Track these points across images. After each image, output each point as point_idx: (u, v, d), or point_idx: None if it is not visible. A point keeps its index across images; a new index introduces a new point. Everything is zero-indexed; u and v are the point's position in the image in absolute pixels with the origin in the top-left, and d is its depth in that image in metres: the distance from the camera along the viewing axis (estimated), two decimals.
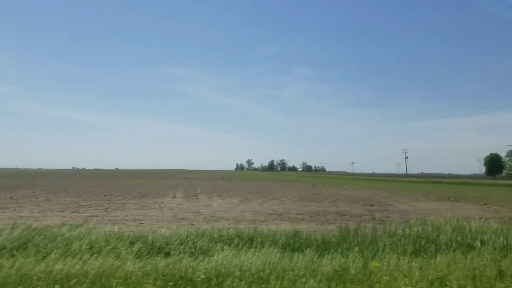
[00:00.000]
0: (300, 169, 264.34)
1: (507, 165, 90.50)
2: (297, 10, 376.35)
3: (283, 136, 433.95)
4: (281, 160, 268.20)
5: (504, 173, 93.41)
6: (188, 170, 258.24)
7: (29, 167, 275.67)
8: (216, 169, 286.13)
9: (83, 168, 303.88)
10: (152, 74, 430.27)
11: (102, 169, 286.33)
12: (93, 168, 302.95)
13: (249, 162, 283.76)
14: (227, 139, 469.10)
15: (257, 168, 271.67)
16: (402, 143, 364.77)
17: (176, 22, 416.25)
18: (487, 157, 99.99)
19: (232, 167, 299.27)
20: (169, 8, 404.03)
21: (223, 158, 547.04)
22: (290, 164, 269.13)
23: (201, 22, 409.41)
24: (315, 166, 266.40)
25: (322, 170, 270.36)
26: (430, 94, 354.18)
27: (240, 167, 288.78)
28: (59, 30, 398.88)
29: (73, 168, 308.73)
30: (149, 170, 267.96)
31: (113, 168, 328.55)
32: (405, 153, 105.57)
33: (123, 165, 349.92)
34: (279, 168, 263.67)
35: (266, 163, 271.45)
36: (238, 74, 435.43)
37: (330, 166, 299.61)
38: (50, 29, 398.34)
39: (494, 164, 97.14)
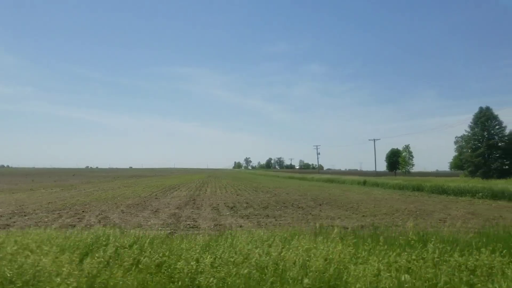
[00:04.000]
0: (297, 167, 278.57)
1: (406, 160, 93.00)
2: (306, 7, 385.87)
3: (290, 135, 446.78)
4: (278, 158, 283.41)
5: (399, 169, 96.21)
6: (186, 168, 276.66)
7: (45, 167, 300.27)
8: (216, 167, 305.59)
9: (97, 167, 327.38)
10: (159, 74, 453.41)
11: (116, 168, 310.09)
12: (107, 167, 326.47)
13: (247, 161, 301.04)
14: (235, 138, 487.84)
15: (255, 166, 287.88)
16: (411, 141, 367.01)
17: (181, 22, 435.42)
18: (388, 152, 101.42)
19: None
20: (175, 7, 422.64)
21: (229, 156, 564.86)
22: (287, 162, 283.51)
23: (206, 21, 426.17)
24: (312, 164, 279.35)
25: (320, 167, 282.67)
26: (443, 90, 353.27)
27: (237, 165, 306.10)
28: (68, 34, 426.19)
29: (87, 167, 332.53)
30: (158, 168, 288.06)
31: (127, 167, 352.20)
32: (317, 149, 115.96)
33: (136, 164, 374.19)
34: (277, 166, 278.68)
35: (264, 162, 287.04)
36: (246, 73, 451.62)
37: (338, 165, 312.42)
38: (60, 33, 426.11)
39: (393, 159, 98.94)
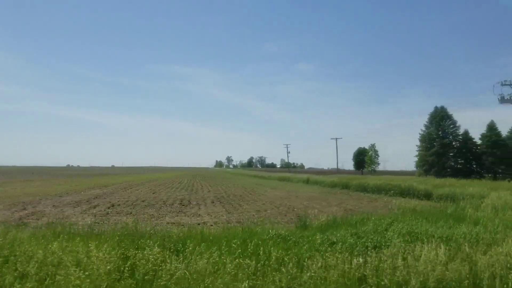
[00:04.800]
0: (278, 166, 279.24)
1: (372, 159, 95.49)
2: (305, 7, 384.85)
3: (286, 135, 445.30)
4: (260, 157, 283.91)
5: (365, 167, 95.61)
6: (170, 167, 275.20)
7: (24, 165, 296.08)
8: (200, 166, 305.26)
9: (78, 166, 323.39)
10: (157, 74, 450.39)
11: (98, 167, 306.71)
12: (87, 166, 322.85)
13: (229, 159, 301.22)
14: (225, 137, 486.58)
15: (236, 165, 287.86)
16: (406, 140, 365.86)
17: (175, 22, 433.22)
18: (355, 151, 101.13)
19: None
20: (175, 7, 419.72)
21: (223, 155, 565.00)
22: (269, 160, 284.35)
23: (199, 20, 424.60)
24: (293, 163, 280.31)
25: (301, 167, 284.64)
26: (443, 90, 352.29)
27: (219, 164, 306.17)
28: (68, 34, 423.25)
29: (68, 165, 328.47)
30: (139, 167, 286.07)
31: (109, 165, 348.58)
32: (287, 147, 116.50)
33: (120, 163, 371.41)
34: (258, 165, 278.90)
35: (246, 160, 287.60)
36: (245, 73, 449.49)
37: (324, 164, 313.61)
38: (60, 33, 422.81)
39: (359, 158, 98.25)
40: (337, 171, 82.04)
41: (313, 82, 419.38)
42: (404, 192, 26.77)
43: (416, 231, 7.96)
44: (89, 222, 14.04)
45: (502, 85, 39.33)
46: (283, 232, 8.12)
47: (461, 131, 66.12)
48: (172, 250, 7.09)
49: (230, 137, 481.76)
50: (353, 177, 40.09)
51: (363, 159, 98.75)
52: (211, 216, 16.16)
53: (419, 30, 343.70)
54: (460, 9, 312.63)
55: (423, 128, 68.62)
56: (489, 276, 4.20)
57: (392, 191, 28.15)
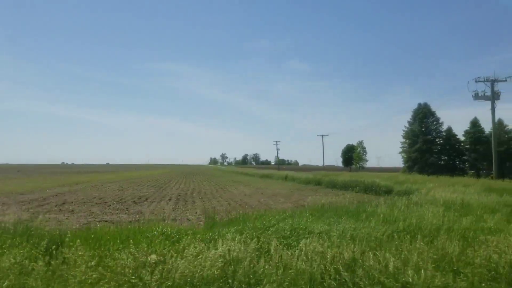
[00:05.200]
0: (273, 163, 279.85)
1: (360, 155, 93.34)
2: (305, 6, 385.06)
3: (279, 132, 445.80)
4: (254, 154, 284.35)
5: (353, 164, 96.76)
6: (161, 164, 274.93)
7: (15, 163, 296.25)
8: (195, 163, 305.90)
9: (72, 163, 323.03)
10: (150, 73, 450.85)
11: (92, 164, 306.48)
12: (82, 164, 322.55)
13: (223, 156, 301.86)
14: (223, 136, 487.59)
15: (231, 162, 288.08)
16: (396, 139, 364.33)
17: (174, 22, 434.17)
18: (343, 148, 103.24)
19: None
20: (175, 7, 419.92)
21: (217, 153, 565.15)
22: (264, 157, 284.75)
23: (199, 20, 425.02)
24: (288, 160, 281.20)
25: (295, 164, 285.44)
26: (443, 90, 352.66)
27: (213, 161, 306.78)
28: (68, 34, 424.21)
29: (62, 163, 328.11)
30: (133, 164, 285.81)
31: (104, 163, 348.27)
32: (276, 144, 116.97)
33: (116, 161, 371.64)
34: (253, 162, 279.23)
35: (240, 157, 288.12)
36: (238, 71, 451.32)
37: (319, 161, 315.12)
38: (60, 33, 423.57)
39: (348, 155, 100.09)
40: (323, 168, 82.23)
41: (311, 81, 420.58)
42: (368, 188, 26.89)
43: (300, 227, 8.01)
44: (21, 219, 14.11)
45: (476, 81, 39.33)
46: (169, 229, 8.15)
47: (445, 127, 66.70)
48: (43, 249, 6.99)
49: (228, 135, 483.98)
50: (326, 174, 40.24)
51: (352, 155, 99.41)
52: (153, 213, 16.14)
53: (419, 30, 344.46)
54: (460, 9, 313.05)
55: (407, 125, 68.96)
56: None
57: (357, 188, 28.27)
